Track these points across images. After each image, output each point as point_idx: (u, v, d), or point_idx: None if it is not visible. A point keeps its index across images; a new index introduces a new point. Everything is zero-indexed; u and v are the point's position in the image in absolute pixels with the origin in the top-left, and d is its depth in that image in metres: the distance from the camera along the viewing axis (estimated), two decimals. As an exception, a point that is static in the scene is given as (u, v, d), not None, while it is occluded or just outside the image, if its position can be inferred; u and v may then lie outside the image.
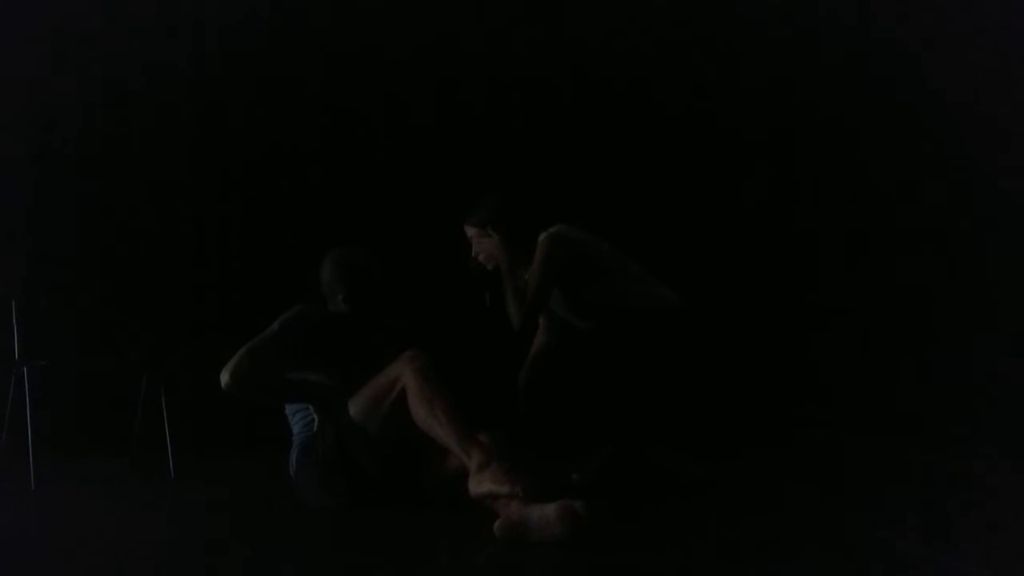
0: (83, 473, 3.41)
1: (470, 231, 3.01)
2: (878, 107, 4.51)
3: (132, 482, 3.26)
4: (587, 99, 4.45)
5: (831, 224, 4.55)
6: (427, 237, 4.09)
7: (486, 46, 4.34)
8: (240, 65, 4.17)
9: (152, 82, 4.11)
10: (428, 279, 3.99)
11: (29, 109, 3.96)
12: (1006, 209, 4.33)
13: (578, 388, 2.87)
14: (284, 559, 2.12)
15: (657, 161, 4.46)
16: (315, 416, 2.62)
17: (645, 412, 2.87)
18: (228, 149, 4.18)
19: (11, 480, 3.17)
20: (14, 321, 3.35)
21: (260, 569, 2.02)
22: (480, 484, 2.24)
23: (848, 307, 4.47)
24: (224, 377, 2.52)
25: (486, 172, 4.22)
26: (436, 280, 3.98)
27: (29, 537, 2.38)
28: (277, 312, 2.87)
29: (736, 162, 4.53)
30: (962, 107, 4.32)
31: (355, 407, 2.52)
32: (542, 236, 2.92)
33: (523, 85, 4.39)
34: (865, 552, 2.07)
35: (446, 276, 3.87)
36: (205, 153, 4.16)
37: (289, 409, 2.74)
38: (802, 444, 3.90)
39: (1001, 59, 4.27)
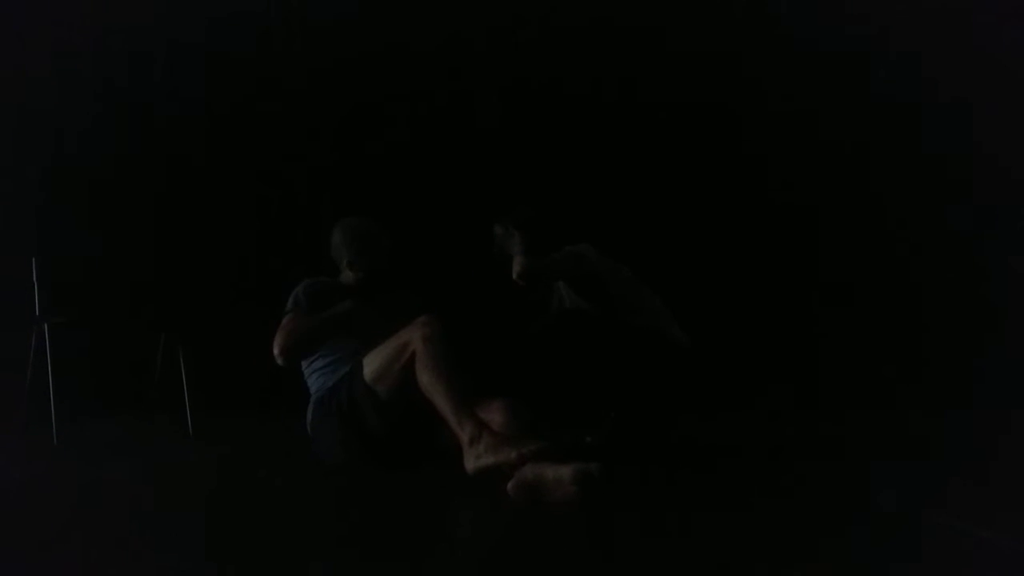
0: (104, 429, 3.46)
1: (498, 229, 3.13)
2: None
3: (151, 438, 3.31)
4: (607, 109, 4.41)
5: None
6: (443, 212, 4.12)
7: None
8: (270, 46, 4.20)
9: (174, 50, 4.12)
10: (443, 251, 4.02)
11: (47, 74, 3.98)
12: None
13: (587, 351, 2.86)
14: (299, 516, 2.14)
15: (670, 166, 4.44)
16: (335, 369, 2.66)
17: (655, 377, 2.87)
18: (248, 119, 4.18)
19: (33, 435, 3.23)
20: (34, 279, 3.38)
21: (276, 525, 2.05)
22: (479, 458, 2.22)
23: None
24: (278, 359, 2.61)
25: (503, 157, 4.23)
26: (450, 252, 4.00)
27: (51, 492, 2.42)
28: (290, 276, 2.91)
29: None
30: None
31: (368, 367, 2.54)
32: (567, 248, 2.99)
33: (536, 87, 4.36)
34: (865, 513, 2.08)
35: (460, 248, 3.91)
36: (226, 119, 4.17)
37: (307, 368, 2.77)
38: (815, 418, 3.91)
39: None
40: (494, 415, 2.45)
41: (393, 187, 4.18)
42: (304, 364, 2.77)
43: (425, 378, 2.39)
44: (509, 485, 2.15)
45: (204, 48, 4.15)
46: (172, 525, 2.03)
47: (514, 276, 2.88)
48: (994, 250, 4.31)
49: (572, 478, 2.10)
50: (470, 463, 2.24)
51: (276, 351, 2.59)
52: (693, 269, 4.27)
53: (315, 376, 2.74)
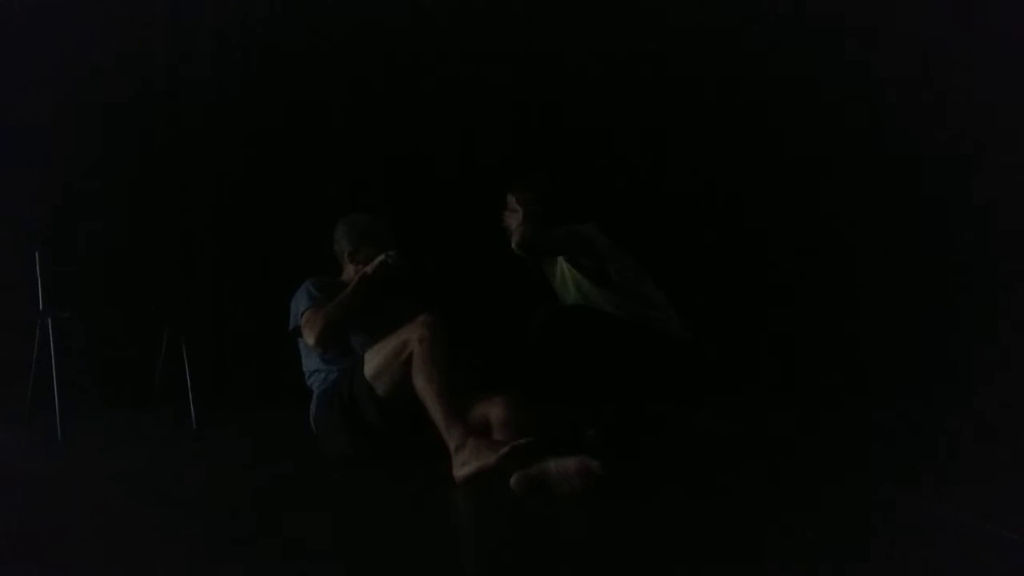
0: (108, 423, 3.47)
1: (510, 200, 3.11)
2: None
3: (155, 431, 3.32)
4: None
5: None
6: (447, 208, 4.12)
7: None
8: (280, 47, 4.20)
9: (179, 51, 4.12)
10: (446, 246, 4.02)
11: (57, 68, 3.98)
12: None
13: (589, 343, 2.85)
14: (303, 509, 2.14)
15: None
16: (337, 373, 2.67)
17: (652, 368, 2.85)
18: (254, 111, 4.17)
19: (37, 429, 3.24)
20: (38, 272, 3.38)
21: (280, 518, 2.05)
22: (464, 465, 2.23)
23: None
24: (316, 350, 2.69)
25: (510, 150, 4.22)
26: (453, 247, 4.01)
27: (55, 485, 2.42)
28: (293, 270, 2.92)
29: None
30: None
31: (369, 364, 2.54)
32: (572, 226, 2.96)
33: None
34: (864, 499, 2.07)
35: (466, 246, 3.91)
36: (232, 112, 4.16)
37: (307, 368, 2.79)
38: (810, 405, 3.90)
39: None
40: (495, 409, 2.45)
41: (396, 185, 4.18)
42: (305, 364, 2.78)
43: (419, 382, 2.40)
44: (512, 479, 2.14)
45: (211, 50, 4.14)
46: (176, 519, 2.03)
47: (512, 246, 2.86)
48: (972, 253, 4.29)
49: (576, 471, 2.09)
50: (457, 471, 2.25)
51: (312, 342, 2.65)
52: (695, 261, 4.26)
53: (315, 376, 2.76)
